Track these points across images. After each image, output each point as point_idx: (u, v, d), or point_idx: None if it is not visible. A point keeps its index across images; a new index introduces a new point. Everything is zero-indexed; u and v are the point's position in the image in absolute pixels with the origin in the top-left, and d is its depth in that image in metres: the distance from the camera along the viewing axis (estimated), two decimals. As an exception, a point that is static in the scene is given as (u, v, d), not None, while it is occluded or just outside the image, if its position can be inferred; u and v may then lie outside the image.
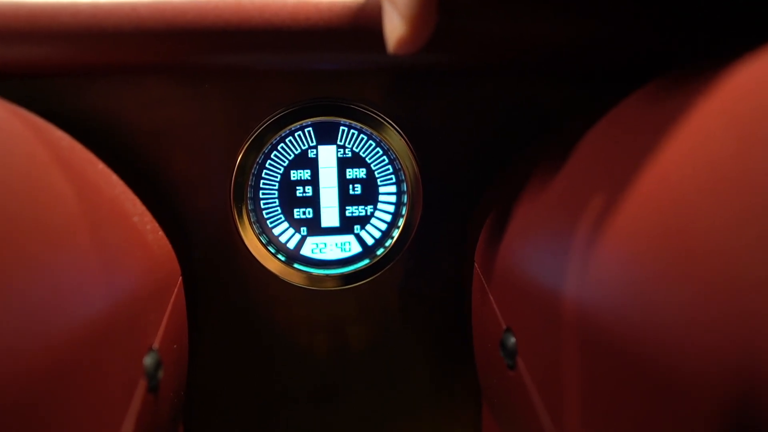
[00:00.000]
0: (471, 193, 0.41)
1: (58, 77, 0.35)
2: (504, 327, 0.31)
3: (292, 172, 0.39)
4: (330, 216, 0.40)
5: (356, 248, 0.41)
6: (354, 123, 0.38)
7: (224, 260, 0.40)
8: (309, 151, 0.39)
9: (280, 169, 0.39)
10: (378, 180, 0.40)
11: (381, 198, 0.40)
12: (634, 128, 0.22)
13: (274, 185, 0.39)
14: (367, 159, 0.39)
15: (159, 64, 0.31)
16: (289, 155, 0.39)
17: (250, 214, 0.39)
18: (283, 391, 0.44)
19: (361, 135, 0.39)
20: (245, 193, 0.38)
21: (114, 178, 0.32)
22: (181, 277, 0.36)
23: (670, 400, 0.16)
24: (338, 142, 0.39)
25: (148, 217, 0.33)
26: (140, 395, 0.26)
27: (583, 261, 0.21)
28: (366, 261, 0.40)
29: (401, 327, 0.43)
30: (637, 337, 0.17)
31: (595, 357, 0.20)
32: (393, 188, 0.40)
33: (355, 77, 0.38)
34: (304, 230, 0.40)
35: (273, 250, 0.39)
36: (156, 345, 0.28)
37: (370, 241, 0.41)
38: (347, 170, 0.39)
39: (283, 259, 0.40)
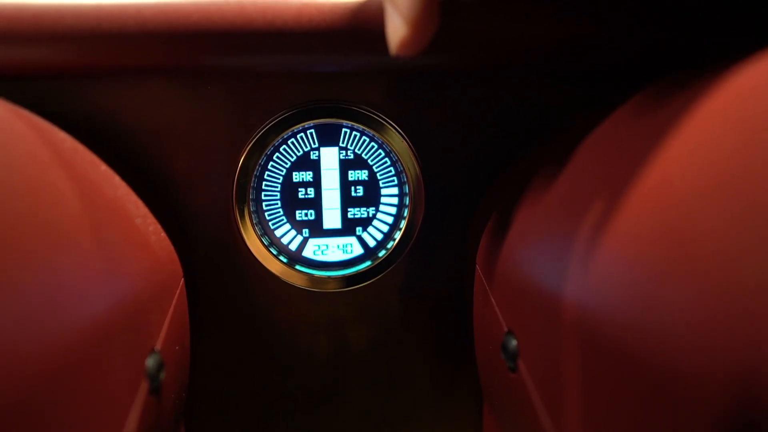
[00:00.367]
0: (473, 194, 0.41)
1: (61, 79, 0.35)
2: (505, 329, 0.31)
3: (294, 173, 0.39)
4: (332, 218, 0.40)
5: (358, 250, 0.41)
6: (356, 125, 0.38)
7: (226, 261, 0.40)
8: (311, 152, 0.39)
9: (282, 171, 0.39)
10: (380, 182, 0.40)
11: (383, 200, 0.40)
12: (636, 130, 0.22)
13: (276, 187, 0.39)
14: (369, 161, 0.39)
15: (162, 65, 0.31)
16: (292, 157, 0.39)
17: (252, 216, 0.39)
18: (285, 392, 0.44)
19: (363, 137, 0.39)
20: (247, 194, 0.38)
21: (117, 179, 0.32)
22: (183, 279, 0.36)
23: (671, 402, 0.16)
24: (340, 144, 0.39)
25: (150, 218, 0.33)
26: (142, 396, 0.26)
27: (585, 263, 0.21)
28: (368, 263, 0.40)
29: (402, 329, 0.43)
30: (638, 340, 0.17)
31: (597, 359, 0.20)
32: (395, 190, 0.40)
33: (357, 79, 0.38)
34: (306, 232, 0.40)
35: (275, 252, 0.39)
36: (158, 346, 0.28)
37: (371, 243, 0.41)
38: (349, 172, 0.39)
39: (284, 260, 0.40)
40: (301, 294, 0.41)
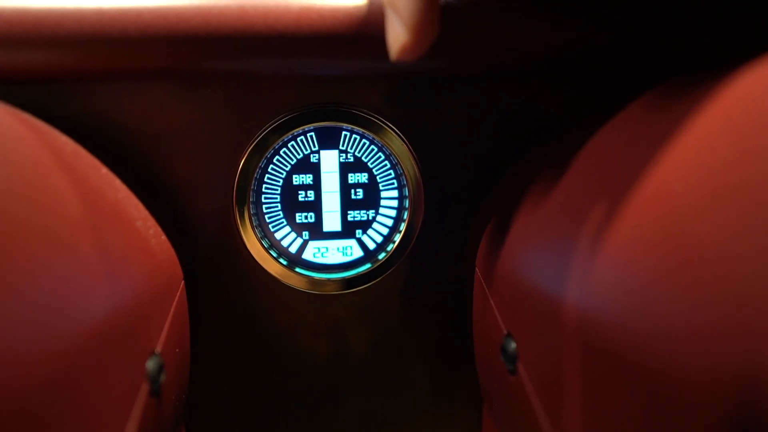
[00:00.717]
0: (472, 198, 0.41)
1: (62, 82, 0.35)
2: (505, 332, 0.31)
3: (294, 176, 0.39)
4: (332, 220, 0.40)
5: (358, 252, 0.41)
6: (356, 128, 0.38)
7: (226, 264, 0.40)
8: (311, 155, 0.39)
9: (282, 174, 0.39)
10: (380, 185, 0.40)
11: (383, 203, 0.40)
12: (636, 135, 0.22)
13: (277, 189, 0.39)
14: (369, 164, 0.40)
15: (163, 69, 0.31)
16: (292, 160, 0.39)
17: (252, 218, 0.39)
18: (285, 394, 0.44)
19: (363, 140, 0.39)
20: (247, 197, 0.38)
21: (117, 182, 0.32)
22: (183, 281, 0.36)
23: (670, 407, 0.16)
24: (340, 147, 0.39)
25: (150, 221, 0.33)
26: (143, 399, 0.26)
27: (584, 267, 0.21)
28: (367, 265, 0.40)
29: (402, 331, 0.43)
30: (637, 344, 0.17)
31: (596, 363, 0.20)
32: (395, 193, 0.40)
33: (357, 82, 0.38)
34: (306, 234, 0.40)
35: (275, 254, 0.40)
36: (158, 349, 0.28)
37: (371, 246, 0.41)
38: (349, 175, 0.39)
39: (284, 263, 0.40)
40: (301, 296, 0.41)
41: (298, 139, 0.39)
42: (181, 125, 0.37)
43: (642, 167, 0.20)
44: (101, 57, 0.30)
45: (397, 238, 0.40)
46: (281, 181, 0.39)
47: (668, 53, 0.31)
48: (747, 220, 0.14)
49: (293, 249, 0.40)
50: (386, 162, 0.40)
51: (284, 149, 0.39)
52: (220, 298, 0.41)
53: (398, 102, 0.38)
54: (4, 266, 0.16)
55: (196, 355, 0.40)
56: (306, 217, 0.40)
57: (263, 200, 0.39)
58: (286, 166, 0.39)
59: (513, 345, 0.29)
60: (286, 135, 0.38)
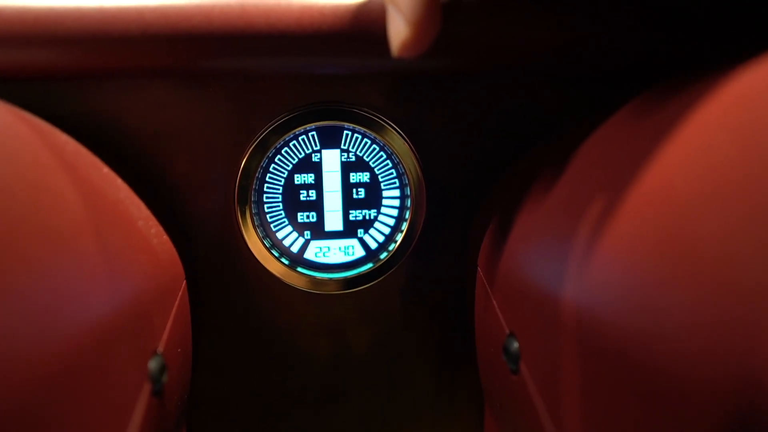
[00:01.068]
0: (474, 197, 0.41)
1: (63, 81, 0.35)
2: (507, 331, 0.31)
3: (295, 175, 0.39)
4: (334, 220, 0.40)
5: (360, 252, 0.41)
6: (357, 127, 0.38)
7: (228, 263, 0.40)
8: (313, 155, 0.39)
9: (283, 173, 0.39)
10: (381, 184, 0.40)
11: (384, 202, 0.40)
12: (636, 133, 0.22)
13: (278, 189, 0.39)
14: (370, 163, 0.39)
15: (164, 68, 0.31)
16: (293, 159, 0.39)
17: (254, 218, 0.39)
18: (287, 394, 0.44)
19: (365, 139, 0.39)
20: (249, 196, 0.38)
21: (119, 181, 0.32)
22: (185, 281, 0.36)
23: (671, 406, 0.16)
24: (342, 146, 0.39)
25: (152, 220, 0.33)
26: (145, 399, 0.26)
27: (586, 266, 0.21)
28: (369, 265, 0.40)
29: (404, 330, 0.43)
30: (639, 343, 0.17)
31: (598, 362, 0.20)
32: (396, 192, 0.40)
33: (359, 81, 0.38)
34: (307, 234, 0.40)
35: (276, 254, 0.40)
36: (160, 349, 0.28)
37: (373, 245, 0.41)
38: (351, 174, 0.39)
39: (286, 262, 0.40)
40: (302, 296, 0.41)
41: (300, 138, 0.39)
42: (182, 124, 0.37)
43: (642, 165, 0.20)
44: (102, 56, 0.30)
45: (399, 237, 0.40)
46: (283, 180, 0.39)
47: (668, 52, 0.31)
48: (747, 219, 0.14)
49: (295, 248, 0.40)
50: (388, 161, 0.39)
51: (286, 148, 0.39)
52: (222, 298, 0.41)
53: (400, 101, 0.38)
54: (6, 266, 0.16)
55: (198, 354, 0.40)
56: (308, 217, 0.40)
57: (265, 200, 0.39)
58: (288, 166, 0.39)
59: (515, 344, 0.29)
60: (288, 134, 0.38)
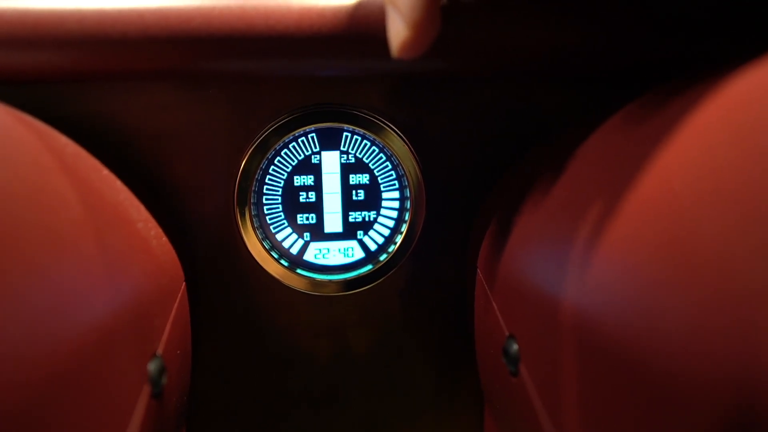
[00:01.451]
0: (474, 198, 0.41)
1: (63, 83, 0.35)
2: (507, 333, 0.31)
3: (295, 177, 0.39)
4: (333, 221, 0.40)
5: (359, 254, 0.41)
6: (357, 129, 0.38)
7: (227, 265, 0.40)
8: (312, 156, 0.39)
9: (283, 175, 0.39)
10: (381, 185, 0.40)
11: (384, 203, 0.40)
12: (636, 135, 0.22)
13: (278, 190, 0.39)
14: (370, 165, 0.39)
15: (164, 70, 0.31)
16: (293, 161, 0.39)
17: (254, 219, 0.39)
18: (286, 395, 0.44)
19: (365, 141, 0.39)
20: (249, 198, 0.38)
21: (118, 183, 0.32)
22: (184, 283, 0.36)
23: (670, 408, 0.16)
24: (341, 148, 0.39)
25: (152, 222, 0.33)
26: (144, 401, 0.26)
27: (586, 268, 0.21)
28: (369, 267, 0.40)
29: (404, 332, 0.43)
30: (639, 345, 0.17)
31: (598, 365, 0.20)
32: (396, 194, 0.40)
33: (358, 83, 0.38)
34: (307, 236, 0.40)
35: (276, 255, 0.39)
36: (160, 351, 0.28)
37: (373, 247, 0.41)
38: (350, 176, 0.39)
39: (285, 264, 0.40)
40: (302, 298, 0.41)
41: (299, 140, 0.39)
42: (182, 126, 0.37)
43: (642, 167, 0.20)
44: (102, 58, 0.30)
45: (399, 239, 0.40)
46: (282, 182, 0.39)
47: (667, 54, 0.31)
48: (746, 221, 0.14)
49: (294, 250, 0.40)
50: (387, 163, 0.39)
51: (285, 150, 0.39)
52: (221, 300, 0.41)
53: (399, 103, 0.38)
54: (5, 268, 0.16)
55: (197, 356, 0.40)
56: (307, 218, 0.40)
57: (264, 201, 0.39)
58: (288, 167, 0.39)
59: (515, 346, 0.29)
60: (287, 136, 0.38)
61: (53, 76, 0.31)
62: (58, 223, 0.21)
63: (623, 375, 0.18)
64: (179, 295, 0.34)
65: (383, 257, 0.40)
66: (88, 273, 0.22)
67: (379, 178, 0.40)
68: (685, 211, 0.17)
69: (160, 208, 0.36)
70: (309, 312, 0.42)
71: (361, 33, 0.30)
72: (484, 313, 0.36)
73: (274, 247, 0.40)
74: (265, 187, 0.39)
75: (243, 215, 0.38)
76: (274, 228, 0.40)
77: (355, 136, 0.39)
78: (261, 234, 0.39)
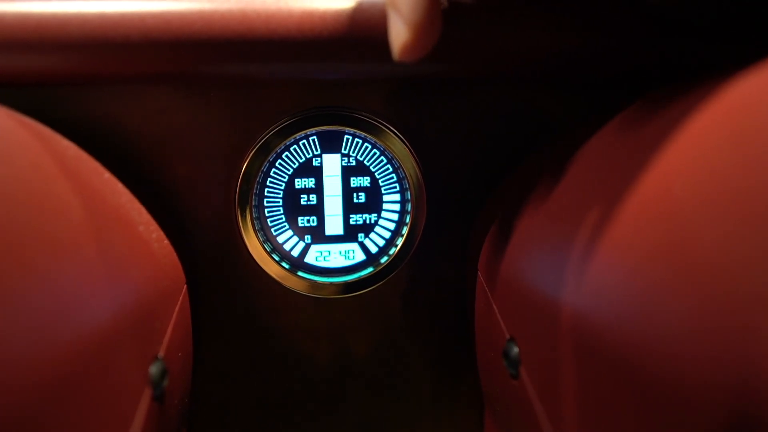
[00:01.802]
0: (474, 201, 0.41)
1: (65, 86, 0.35)
2: (507, 336, 0.31)
3: (296, 180, 0.39)
4: (334, 224, 0.40)
5: (360, 256, 0.41)
6: (358, 132, 0.38)
7: (228, 268, 0.40)
8: (313, 159, 0.39)
9: (284, 177, 0.39)
10: (382, 188, 0.40)
11: (385, 206, 0.40)
12: (635, 139, 0.22)
13: (279, 193, 0.39)
14: (371, 167, 0.40)
15: (166, 73, 0.31)
16: (294, 163, 0.39)
17: (255, 222, 0.39)
18: (287, 397, 0.44)
19: (366, 143, 0.39)
20: (250, 200, 0.38)
21: (120, 186, 0.32)
22: (186, 285, 0.36)
23: (670, 412, 0.16)
24: (342, 151, 0.39)
25: (153, 225, 0.33)
26: (146, 404, 0.26)
27: (586, 271, 0.21)
28: (370, 269, 0.40)
29: (404, 335, 0.43)
30: (639, 349, 0.17)
31: (598, 368, 0.20)
32: (397, 196, 0.40)
33: (360, 86, 0.38)
34: (308, 238, 0.40)
35: (277, 258, 0.40)
36: (161, 353, 0.28)
37: (374, 249, 0.41)
38: (351, 178, 0.40)
39: (286, 266, 0.40)
40: (303, 300, 0.41)
41: (300, 142, 0.39)
42: (183, 129, 0.37)
43: (641, 171, 0.20)
44: (104, 61, 0.30)
45: (400, 241, 0.40)
46: (283, 184, 0.39)
47: (667, 58, 0.31)
48: (744, 224, 0.14)
49: (295, 252, 0.40)
50: (388, 165, 0.40)
51: (286, 153, 0.39)
52: (223, 302, 0.41)
53: (400, 105, 0.38)
54: (7, 271, 0.16)
55: (199, 358, 0.40)
56: (308, 221, 0.40)
57: (265, 204, 0.39)
58: (289, 170, 0.39)
59: (515, 349, 0.29)
60: (289, 139, 0.38)
61: (55, 79, 0.31)
62: (59, 226, 0.21)
63: (623, 378, 0.18)
64: (180, 297, 0.34)
65: (384, 260, 0.40)
66: (90, 276, 0.22)
67: (380, 181, 0.40)
68: (685, 214, 0.17)
69: (161, 211, 0.36)
70: (310, 314, 0.42)
71: (362, 36, 0.30)
72: (484, 316, 0.36)
73: (275, 249, 0.40)
74: (266, 189, 0.39)
75: (244, 218, 0.38)
76: (275, 230, 0.40)
77: (356, 139, 0.39)
78: (262, 236, 0.39)
